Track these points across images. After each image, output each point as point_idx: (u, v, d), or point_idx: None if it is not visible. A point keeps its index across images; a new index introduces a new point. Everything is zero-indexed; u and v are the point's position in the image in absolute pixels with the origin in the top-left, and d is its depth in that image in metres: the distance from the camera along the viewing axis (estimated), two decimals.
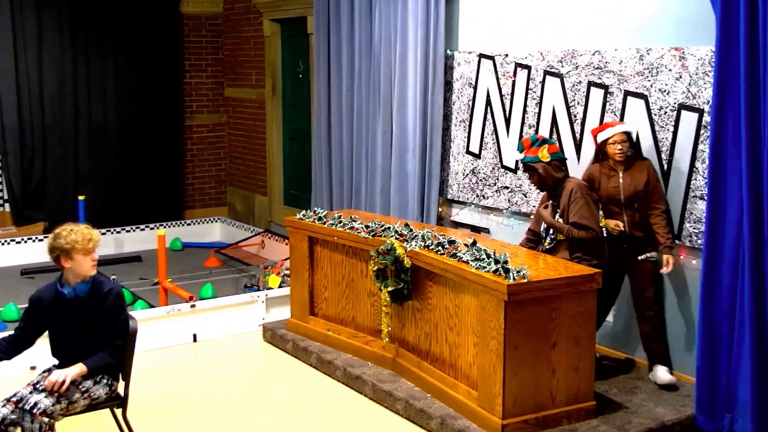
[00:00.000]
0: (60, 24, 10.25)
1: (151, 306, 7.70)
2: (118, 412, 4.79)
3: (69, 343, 4.64)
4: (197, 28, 11.67)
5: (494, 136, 7.07)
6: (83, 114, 10.52)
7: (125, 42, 10.73)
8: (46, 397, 4.40)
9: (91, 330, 4.61)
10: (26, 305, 4.70)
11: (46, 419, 4.34)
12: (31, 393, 4.44)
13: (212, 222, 11.73)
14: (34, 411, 4.32)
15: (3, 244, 9.91)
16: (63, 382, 4.40)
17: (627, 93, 6.02)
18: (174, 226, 11.07)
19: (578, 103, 6.38)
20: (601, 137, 5.77)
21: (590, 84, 6.27)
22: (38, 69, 10.17)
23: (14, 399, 4.42)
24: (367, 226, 6.25)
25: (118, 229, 10.61)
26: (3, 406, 4.39)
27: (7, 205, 10.21)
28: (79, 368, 4.49)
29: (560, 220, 5.67)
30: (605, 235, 5.75)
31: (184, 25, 11.51)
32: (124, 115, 10.83)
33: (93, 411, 4.68)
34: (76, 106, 10.44)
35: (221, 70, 11.93)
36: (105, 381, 4.65)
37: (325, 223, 6.62)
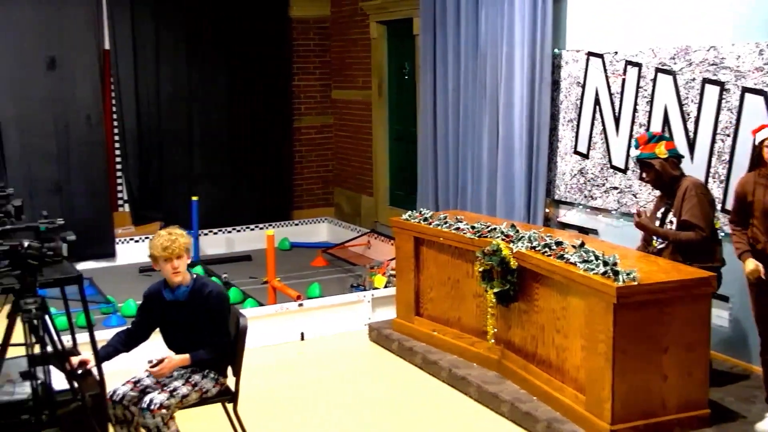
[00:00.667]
0: (176, 31, 10.49)
1: (261, 304, 7.79)
2: (230, 406, 4.89)
3: (176, 340, 4.85)
4: (305, 32, 11.77)
5: (603, 135, 6.89)
6: (197, 118, 10.74)
7: (236, 47, 10.90)
8: (159, 393, 4.55)
9: (193, 330, 4.76)
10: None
11: (164, 411, 4.52)
12: (146, 389, 4.65)
13: (319, 222, 11.82)
14: (152, 407, 4.49)
15: (123, 243, 10.22)
16: (166, 366, 4.64)
17: (745, 90, 5.76)
18: (282, 226, 11.20)
19: (692, 101, 6.15)
20: (759, 137, 4.99)
21: (705, 81, 6.04)
22: (155, 75, 10.43)
23: (133, 380, 4.75)
24: (472, 227, 6.17)
25: (229, 229, 10.80)
26: (123, 384, 4.71)
27: (126, 206, 10.51)
28: (181, 357, 4.70)
29: (673, 220, 5.48)
30: (718, 237, 5.51)
31: (292, 29, 11.63)
32: (235, 118, 11.00)
33: (205, 405, 4.79)
34: (190, 110, 10.67)
35: (328, 72, 12.01)
36: (212, 375, 4.79)
37: (430, 224, 6.57)
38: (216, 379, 4.81)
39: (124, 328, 5.01)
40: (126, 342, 4.86)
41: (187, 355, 4.71)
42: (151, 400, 4.51)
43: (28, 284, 4.07)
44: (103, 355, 4.68)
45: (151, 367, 4.66)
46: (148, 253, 4.78)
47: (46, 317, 4.11)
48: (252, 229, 10.85)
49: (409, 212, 6.93)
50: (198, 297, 4.76)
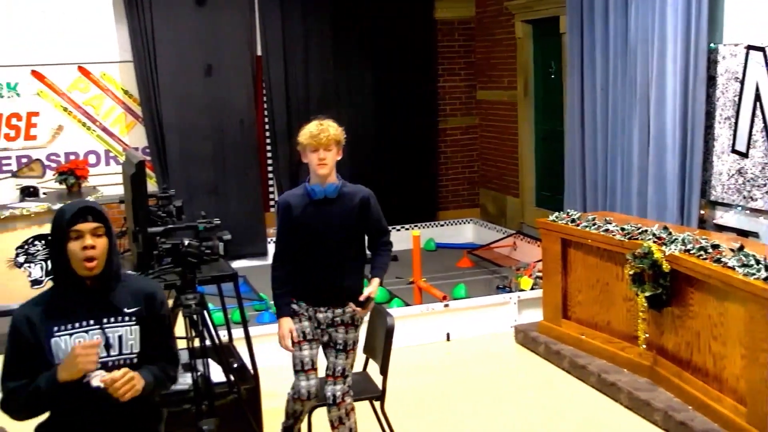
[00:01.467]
0: (324, 37, 10.68)
1: (407, 304, 7.83)
2: (377, 404, 4.92)
3: (324, 246, 4.56)
4: (450, 33, 11.78)
5: (764, 133, 6.57)
6: (344, 120, 10.78)
7: (382, 50, 11.00)
8: (335, 384, 4.58)
9: (347, 232, 4.59)
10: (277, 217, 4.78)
11: (349, 400, 4.60)
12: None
13: (465, 223, 11.80)
14: (337, 400, 4.55)
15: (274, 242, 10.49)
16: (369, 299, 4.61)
17: None
18: (428, 227, 11.25)
19: None
20: None
21: None
22: (305, 79, 10.65)
23: (308, 366, 4.58)
24: (622, 229, 6.00)
25: None
26: (306, 380, 4.57)
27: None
28: (376, 283, 4.65)
29: None
30: None
31: (437, 31, 11.66)
32: (381, 119, 11.11)
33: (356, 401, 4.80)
34: (338, 112, 10.79)
35: (473, 73, 11.97)
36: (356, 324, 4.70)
37: (578, 225, 6.44)
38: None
39: (274, 264, 4.71)
40: (287, 279, 4.63)
41: (376, 279, 4.66)
42: (333, 395, 4.55)
43: (189, 281, 4.24)
44: (287, 302, 4.61)
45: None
46: (298, 143, 4.54)
47: (205, 313, 4.27)
48: (398, 230, 10.92)
49: (556, 213, 6.82)
50: (349, 197, 4.58)
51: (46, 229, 8.41)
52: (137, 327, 3.32)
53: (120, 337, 3.28)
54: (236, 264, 9.35)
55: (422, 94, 11.44)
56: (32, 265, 8.42)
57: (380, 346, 4.88)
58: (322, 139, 4.42)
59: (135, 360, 3.31)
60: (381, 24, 10.93)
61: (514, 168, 11.15)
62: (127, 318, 3.30)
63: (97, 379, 3.11)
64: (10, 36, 9.76)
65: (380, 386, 4.91)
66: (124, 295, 3.33)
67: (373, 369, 5.06)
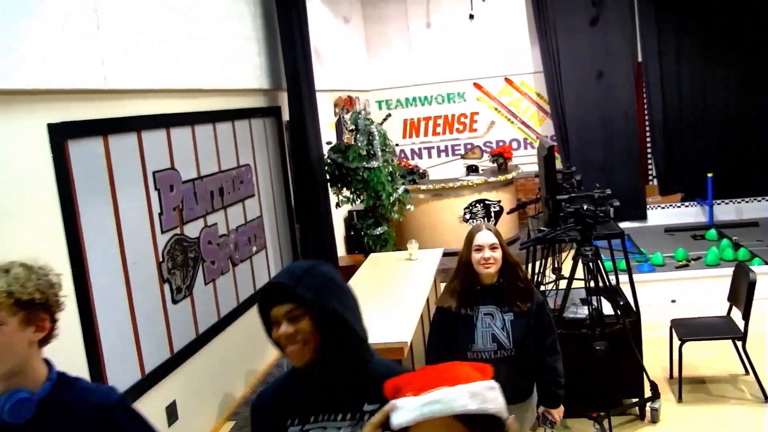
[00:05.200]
0: (693, 42, 10.14)
1: (766, 263, 7.35)
2: (739, 344, 4.74)
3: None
4: None
5: None
6: (710, 110, 10.28)
7: (745, 46, 10.15)
8: None
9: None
10: None
11: None
12: None
13: None
14: None
15: (652, 209, 10.33)
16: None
17: None
18: None
19: None
20: None
21: None
22: (677, 78, 10.19)
23: None
24: None
25: (739, 199, 10.21)
26: None
27: (654, 180, 10.55)
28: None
29: None
30: None
31: None
32: (743, 106, 10.27)
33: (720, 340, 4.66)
34: (705, 104, 10.28)
35: None
36: None
37: None
38: None
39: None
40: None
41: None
42: None
43: (586, 237, 4.44)
44: None
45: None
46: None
47: (598, 261, 4.47)
48: (758, 201, 10.12)
49: None
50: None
51: (484, 195, 9.15)
52: None
53: None
54: (622, 225, 9.38)
55: None
56: (474, 221, 9.17)
57: (743, 297, 4.77)
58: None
59: None
60: (743, 25, 10.09)
61: None
62: (361, 416, 1.95)
63: None
64: (459, 59, 10.61)
65: (742, 329, 4.79)
66: (363, 384, 1.97)
67: (736, 314, 4.95)
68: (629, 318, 4.66)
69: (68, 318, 3.57)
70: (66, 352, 3.53)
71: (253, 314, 5.88)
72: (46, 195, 3.50)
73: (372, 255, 6.49)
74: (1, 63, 3.13)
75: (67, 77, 3.58)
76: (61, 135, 3.60)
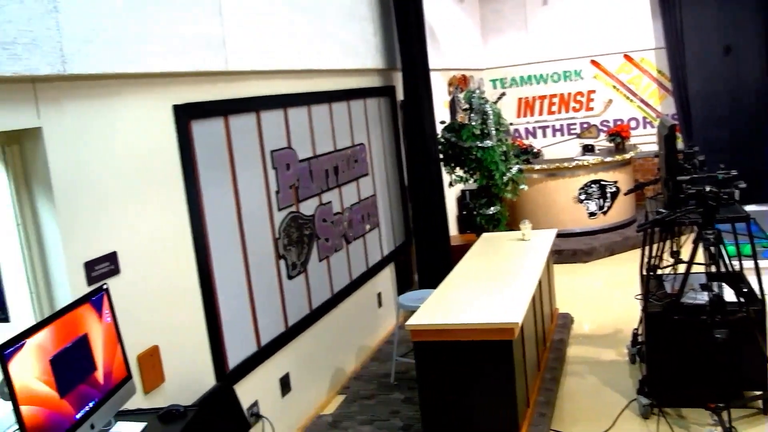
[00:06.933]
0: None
1: None
2: None
3: None
4: None
5: None
6: None
7: None
8: None
9: None
10: None
11: None
12: None
13: None
14: None
15: None
16: None
17: None
18: None
19: None
20: None
21: None
22: None
23: None
24: None
25: None
26: None
27: None
28: None
29: None
30: None
31: None
32: None
33: None
34: None
35: None
36: None
37: None
38: None
39: None
40: None
41: None
42: None
43: (708, 219, 4.24)
44: None
45: None
46: None
47: (721, 246, 4.24)
48: None
49: None
50: None
51: (600, 176, 8.86)
52: None
53: None
54: (747, 208, 8.81)
55: None
56: (589, 201, 8.93)
57: None
58: None
59: None
60: None
61: None
62: None
63: None
64: (576, 36, 10.28)
65: None
66: None
67: None
68: (753, 306, 4.43)
69: (191, 290, 3.72)
70: (188, 324, 3.68)
71: (364, 291, 5.94)
72: (172, 172, 3.63)
73: (484, 235, 6.42)
74: (131, 48, 3.25)
75: (190, 60, 3.69)
76: (185, 115, 3.72)
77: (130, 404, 2.96)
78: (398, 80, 6.80)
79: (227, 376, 3.97)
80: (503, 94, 8.46)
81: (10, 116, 2.73)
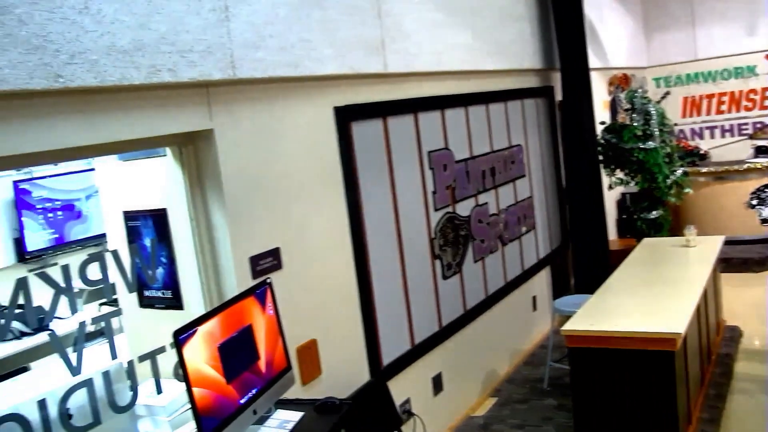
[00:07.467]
0: None
1: None
2: None
3: None
4: None
5: None
6: None
7: None
8: None
9: None
10: None
11: None
12: None
13: None
14: None
15: None
16: None
17: None
18: None
19: None
20: None
21: None
22: None
23: None
24: None
25: None
26: None
27: None
28: None
29: None
30: None
31: None
32: None
33: None
34: None
35: None
36: None
37: None
38: None
39: None
40: None
41: None
42: None
43: None
44: None
45: None
46: None
47: None
48: None
49: None
50: None
51: None
52: None
53: None
54: None
55: None
56: (762, 207, 8.30)
57: None
58: None
59: None
60: None
61: None
62: None
63: None
64: (702, 34, 9.56)
65: None
66: None
67: None
68: None
69: (348, 286, 3.79)
70: (345, 319, 3.76)
71: (519, 294, 5.82)
72: (333, 172, 3.73)
73: (645, 240, 6.12)
74: (294, 53, 3.37)
75: (351, 63, 3.76)
76: (345, 117, 3.80)
77: (289, 394, 3.05)
78: (557, 80, 6.62)
79: (381, 372, 4.01)
80: (667, 93, 8.08)
81: (186, 119, 2.91)
